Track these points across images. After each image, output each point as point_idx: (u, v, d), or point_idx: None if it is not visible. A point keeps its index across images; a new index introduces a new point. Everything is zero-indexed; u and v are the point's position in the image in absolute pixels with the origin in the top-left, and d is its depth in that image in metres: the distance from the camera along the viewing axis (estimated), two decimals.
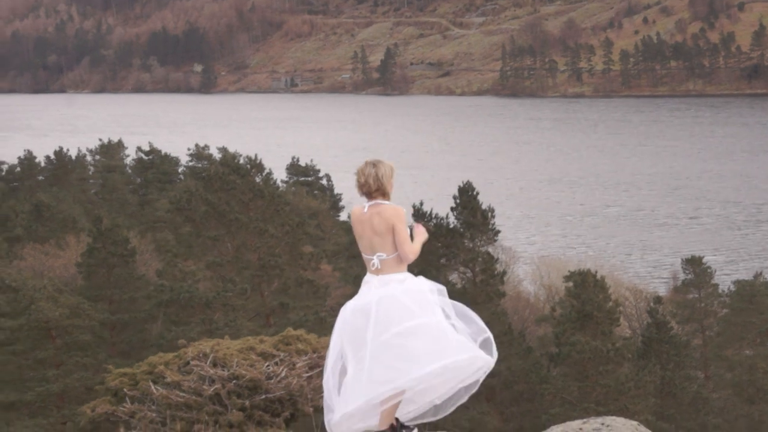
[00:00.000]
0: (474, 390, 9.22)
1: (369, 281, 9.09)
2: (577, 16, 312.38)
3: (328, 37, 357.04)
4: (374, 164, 9.09)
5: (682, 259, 55.48)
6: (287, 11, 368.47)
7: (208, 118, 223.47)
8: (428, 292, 9.11)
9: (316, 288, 45.45)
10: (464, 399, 9.25)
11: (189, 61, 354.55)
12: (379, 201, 9.02)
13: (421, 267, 42.02)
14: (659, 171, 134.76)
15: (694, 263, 52.31)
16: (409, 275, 9.15)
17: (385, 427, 9.06)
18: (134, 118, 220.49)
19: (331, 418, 9.09)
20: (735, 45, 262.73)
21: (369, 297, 8.97)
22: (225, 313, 40.77)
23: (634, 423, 10.14)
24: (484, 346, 9.09)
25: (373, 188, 9.02)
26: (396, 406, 9.06)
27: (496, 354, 9.11)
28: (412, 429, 9.34)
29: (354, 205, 9.32)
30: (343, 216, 71.39)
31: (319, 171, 79.35)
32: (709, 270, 52.14)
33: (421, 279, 9.21)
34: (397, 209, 8.99)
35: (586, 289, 40.96)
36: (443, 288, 9.23)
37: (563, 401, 39.18)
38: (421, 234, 9.20)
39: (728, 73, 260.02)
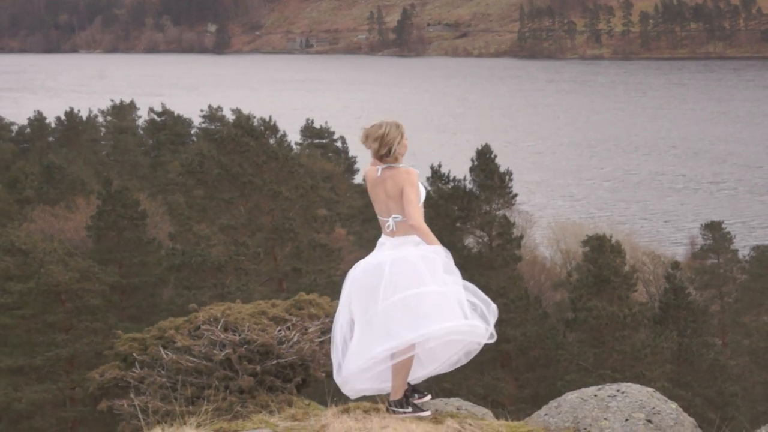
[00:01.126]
0: (473, 354, 9.22)
1: (383, 243, 9.05)
2: None
3: None
4: (380, 126, 8.95)
5: (701, 224, 54.95)
6: None
7: (221, 79, 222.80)
8: (440, 262, 9.00)
9: (329, 252, 45.13)
10: (464, 362, 9.26)
11: (203, 21, 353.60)
12: (392, 164, 8.95)
13: (437, 231, 41.39)
14: (680, 135, 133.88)
15: (713, 228, 51.85)
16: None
17: (399, 396, 9.10)
18: (147, 79, 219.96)
19: (339, 376, 9.12)
20: (756, 7, 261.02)
21: (382, 257, 8.92)
22: (237, 277, 40.53)
23: (650, 390, 9.93)
24: (487, 317, 8.99)
25: (382, 152, 8.92)
26: (407, 374, 9.05)
27: (493, 330, 8.98)
28: (426, 394, 9.42)
29: (368, 166, 9.25)
30: (357, 179, 70.85)
31: (333, 133, 78.78)
32: (728, 235, 51.68)
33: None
34: (409, 171, 8.92)
35: (603, 254, 40.55)
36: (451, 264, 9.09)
37: (579, 367, 38.86)
38: (434, 240, 9.00)
39: (749, 36, 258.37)
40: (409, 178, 8.85)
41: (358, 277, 9.00)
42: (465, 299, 8.84)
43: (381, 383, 9.15)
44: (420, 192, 8.97)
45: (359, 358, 8.89)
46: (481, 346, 9.05)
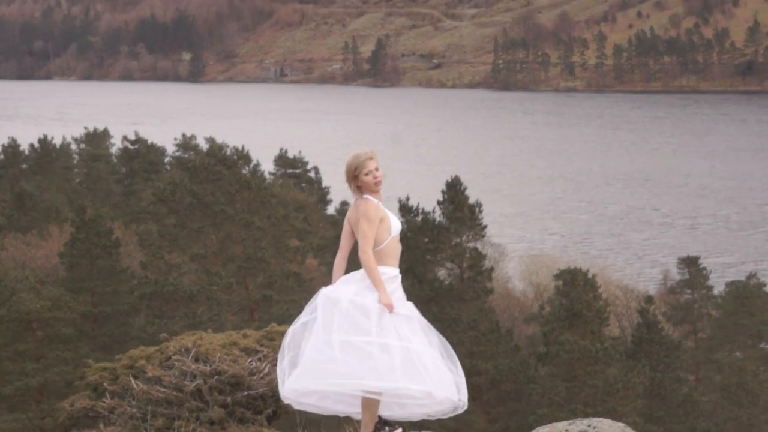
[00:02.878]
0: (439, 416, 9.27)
1: (355, 273, 9.08)
2: (570, 9, 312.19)
3: (319, 27, 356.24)
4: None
5: (678, 259, 55.07)
6: (278, 0, 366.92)
7: (195, 108, 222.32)
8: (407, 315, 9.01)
9: (301, 281, 44.95)
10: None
11: (177, 49, 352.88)
12: (364, 196, 8.99)
13: (407, 264, 41.41)
14: (656, 169, 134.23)
15: (689, 263, 51.96)
16: (398, 278, 9.03)
17: (369, 429, 9.07)
18: (121, 107, 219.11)
19: (282, 388, 9.03)
20: (729, 41, 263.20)
21: (343, 294, 8.88)
22: (209, 307, 40.27)
23: (622, 425, 10.06)
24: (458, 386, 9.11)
25: (348, 182, 9.05)
26: (377, 408, 9.00)
27: (464, 400, 9.18)
28: (397, 427, 9.32)
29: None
30: (330, 210, 70.77)
31: (307, 163, 78.71)
32: (704, 271, 51.77)
33: (406, 303, 9.12)
34: (366, 204, 8.92)
35: (575, 288, 40.52)
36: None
37: (550, 402, 38.74)
38: (379, 283, 8.88)
39: (722, 69, 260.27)
40: (364, 211, 8.88)
41: (322, 301, 8.95)
42: (431, 361, 8.86)
43: (322, 401, 9.08)
44: (390, 223, 8.97)
45: (303, 381, 8.82)
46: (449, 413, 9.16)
